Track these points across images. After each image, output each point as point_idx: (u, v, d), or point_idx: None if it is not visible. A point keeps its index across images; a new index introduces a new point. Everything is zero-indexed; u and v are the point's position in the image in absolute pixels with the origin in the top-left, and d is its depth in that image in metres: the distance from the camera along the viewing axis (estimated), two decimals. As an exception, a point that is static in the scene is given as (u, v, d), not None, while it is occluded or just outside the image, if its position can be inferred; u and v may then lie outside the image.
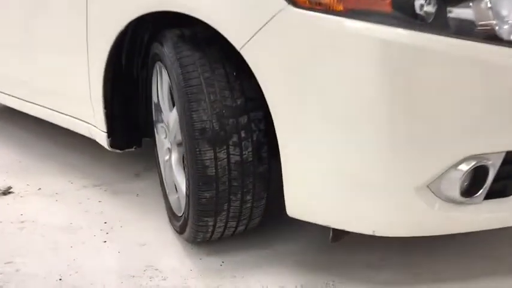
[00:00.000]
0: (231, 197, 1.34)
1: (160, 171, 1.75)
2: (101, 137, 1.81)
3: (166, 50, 1.42)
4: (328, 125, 1.16)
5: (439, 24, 1.11)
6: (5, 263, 1.48)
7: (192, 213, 1.38)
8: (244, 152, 1.31)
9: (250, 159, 1.32)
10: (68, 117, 1.98)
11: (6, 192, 1.97)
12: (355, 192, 1.17)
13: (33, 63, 2.00)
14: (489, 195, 1.18)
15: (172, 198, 1.65)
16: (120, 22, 1.55)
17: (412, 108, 1.10)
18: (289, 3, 1.16)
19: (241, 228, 1.44)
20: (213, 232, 1.43)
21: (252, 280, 1.37)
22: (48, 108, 2.06)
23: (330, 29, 1.13)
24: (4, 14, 2.09)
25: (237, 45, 1.24)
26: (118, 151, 1.84)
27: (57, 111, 2.01)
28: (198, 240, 1.48)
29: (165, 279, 1.39)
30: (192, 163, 1.32)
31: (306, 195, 1.23)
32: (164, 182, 1.71)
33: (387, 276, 1.38)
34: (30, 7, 1.94)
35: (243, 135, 1.31)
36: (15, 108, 2.28)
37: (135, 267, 1.45)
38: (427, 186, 1.14)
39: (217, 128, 1.29)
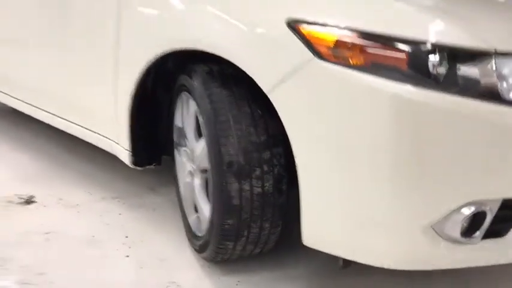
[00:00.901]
0: (251, 224, 1.47)
1: (180, 191, 1.87)
2: (123, 154, 1.93)
3: (197, 85, 1.54)
4: (343, 167, 1.29)
5: (448, 82, 1.24)
6: (37, 274, 1.59)
7: (214, 236, 1.51)
8: (265, 185, 1.44)
9: (271, 191, 1.45)
10: (91, 132, 2.09)
11: (29, 201, 2.08)
12: (365, 228, 1.30)
13: (64, 81, 2.10)
14: (486, 235, 1.31)
15: (191, 218, 1.77)
16: (151, 55, 1.67)
17: (420, 158, 1.23)
18: (315, 56, 1.29)
19: (257, 251, 1.57)
20: (231, 254, 1.56)
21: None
22: (73, 122, 2.17)
23: (349, 81, 1.26)
24: (35, 34, 2.19)
25: (265, 88, 1.36)
26: (138, 168, 1.95)
27: (81, 126, 2.12)
28: (217, 260, 1.61)
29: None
30: (218, 193, 1.45)
31: (321, 228, 1.36)
32: (183, 201, 1.84)
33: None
34: (63, 31, 2.04)
35: (265, 169, 1.44)
36: (41, 120, 2.37)
37: (158, 282, 1.58)
38: (431, 227, 1.27)
39: (243, 162, 1.42)
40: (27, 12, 2.21)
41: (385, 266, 1.32)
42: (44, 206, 2.05)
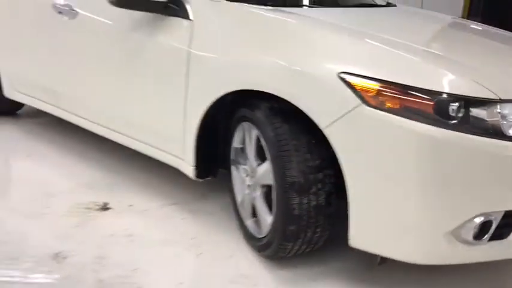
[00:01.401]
0: (307, 229, 1.88)
1: (236, 199, 2.27)
2: (188, 168, 2.32)
3: (262, 118, 1.94)
4: (383, 186, 1.70)
5: (463, 123, 1.65)
6: (132, 270, 1.99)
7: (276, 239, 1.92)
8: (319, 199, 1.85)
9: (323, 203, 1.85)
10: (157, 150, 2.48)
11: (105, 207, 2.47)
12: (400, 233, 1.72)
13: (138, 109, 2.48)
14: (492, 238, 1.73)
15: (248, 222, 2.17)
16: (219, 93, 2.07)
17: (442, 181, 1.65)
18: (362, 102, 1.69)
19: (308, 249, 1.98)
20: (289, 253, 1.97)
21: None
22: (138, 140, 2.55)
23: (387, 122, 1.67)
24: (115, 69, 2.55)
25: (321, 125, 1.76)
26: (200, 180, 2.35)
27: (149, 144, 2.51)
28: (275, 257, 2.02)
29: (256, 285, 1.93)
30: (282, 205, 1.86)
31: (365, 232, 1.77)
32: (240, 208, 2.24)
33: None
34: (140, 68, 2.41)
35: (319, 186, 1.84)
36: (104, 136, 2.75)
37: (231, 275, 1.98)
38: (450, 233, 1.69)
39: (302, 182, 1.82)
40: (109, 49, 2.57)
41: (414, 262, 1.74)
42: (119, 212, 2.44)
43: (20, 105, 3.62)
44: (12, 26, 3.18)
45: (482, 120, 1.66)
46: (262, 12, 2.14)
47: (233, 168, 2.29)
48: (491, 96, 1.66)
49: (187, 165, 2.33)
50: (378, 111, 1.67)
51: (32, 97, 3.22)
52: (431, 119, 1.64)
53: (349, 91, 1.71)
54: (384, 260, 1.82)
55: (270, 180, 1.94)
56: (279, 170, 1.85)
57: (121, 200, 2.54)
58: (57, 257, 2.05)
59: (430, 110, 1.65)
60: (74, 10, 2.70)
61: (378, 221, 1.74)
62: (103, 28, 2.58)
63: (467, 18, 6.30)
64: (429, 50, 1.89)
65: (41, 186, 2.66)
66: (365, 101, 1.69)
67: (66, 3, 2.74)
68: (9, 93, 3.40)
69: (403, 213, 1.69)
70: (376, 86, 1.69)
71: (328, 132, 1.75)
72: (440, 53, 1.89)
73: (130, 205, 2.50)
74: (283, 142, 1.86)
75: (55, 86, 2.95)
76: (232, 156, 2.27)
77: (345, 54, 1.83)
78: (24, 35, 3.10)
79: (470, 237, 1.70)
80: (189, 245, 2.19)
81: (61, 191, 2.60)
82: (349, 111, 1.70)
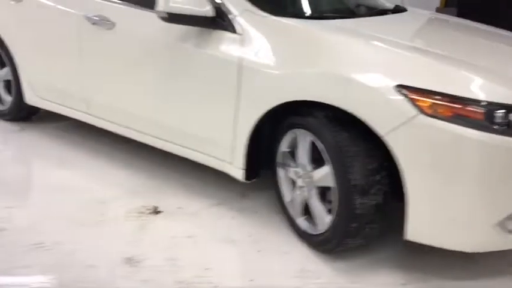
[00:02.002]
0: (366, 226, 2.10)
1: (284, 199, 2.46)
2: (238, 172, 2.50)
3: (320, 127, 2.13)
4: (440, 186, 1.93)
5: (507, 128, 1.89)
6: (205, 269, 2.17)
7: (338, 235, 2.14)
8: (378, 198, 2.07)
9: (381, 202, 2.08)
10: (202, 154, 2.64)
11: (157, 211, 2.62)
12: (453, 226, 1.96)
13: (187, 118, 2.62)
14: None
15: (299, 220, 2.38)
16: (271, 104, 2.25)
17: (492, 180, 1.89)
18: (420, 112, 1.91)
19: (364, 243, 2.21)
20: (346, 247, 2.19)
21: (371, 277, 2.15)
22: (184, 146, 2.70)
23: (442, 129, 1.89)
24: (164, 81, 2.67)
25: (381, 133, 1.97)
26: (246, 181, 2.53)
27: (193, 149, 2.66)
28: (332, 251, 2.23)
29: (319, 278, 2.14)
30: (345, 205, 2.07)
31: (422, 227, 2.01)
32: (288, 208, 2.44)
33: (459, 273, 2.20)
34: (191, 80, 2.54)
35: (377, 187, 2.06)
36: (149, 144, 2.88)
37: (294, 269, 2.19)
38: (497, 224, 1.94)
39: (363, 184, 2.04)
40: (152, 60, 2.68)
41: (465, 251, 1.99)
42: (171, 215, 2.60)
43: (36, 111, 3.69)
44: (39, 37, 3.23)
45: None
46: (310, 27, 2.32)
47: (279, 170, 2.48)
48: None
49: (236, 169, 2.51)
50: (434, 119, 1.90)
51: (59, 104, 3.30)
52: (480, 125, 1.88)
53: (406, 102, 1.92)
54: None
55: (330, 182, 2.14)
56: (342, 174, 2.06)
57: (168, 203, 2.69)
58: (131, 261, 2.20)
59: (480, 118, 1.89)
60: (110, 21, 2.79)
61: (433, 217, 1.98)
62: (145, 39, 2.69)
63: (444, 9, 6.64)
64: (471, 61, 2.12)
65: (88, 193, 2.77)
66: (422, 111, 1.91)
67: (101, 14, 2.83)
68: (32, 100, 3.47)
69: (456, 208, 1.94)
70: (431, 97, 1.91)
71: (387, 139, 1.97)
72: (480, 64, 2.13)
73: (179, 207, 2.66)
74: (344, 148, 2.06)
75: (89, 94, 3.05)
76: (279, 159, 2.46)
77: (399, 68, 2.04)
78: (53, 45, 3.16)
79: (512, 227, 1.96)
80: (247, 242, 2.38)
81: (109, 198, 2.73)
82: (408, 120, 1.92)
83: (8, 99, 3.68)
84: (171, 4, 2.36)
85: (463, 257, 2.15)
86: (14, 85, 3.58)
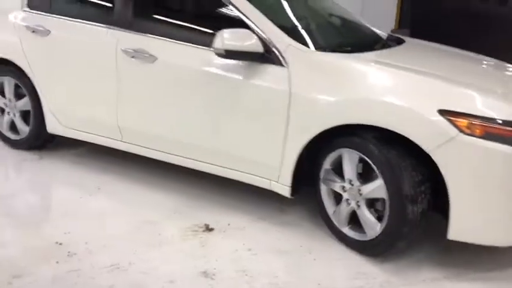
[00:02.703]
0: (414, 230, 2.45)
1: (327, 212, 2.77)
2: (284, 189, 2.79)
3: (370, 146, 2.46)
4: (480, 191, 2.31)
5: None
6: (275, 277, 2.43)
7: (388, 240, 2.47)
8: (423, 205, 2.42)
9: (426, 208, 2.44)
10: (248, 174, 2.90)
11: (209, 228, 2.84)
12: (492, 225, 2.35)
13: (227, 139, 2.87)
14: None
15: (345, 229, 2.69)
16: (322, 127, 2.57)
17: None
18: (460, 132, 2.29)
19: (408, 245, 2.56)
20: (395, 249, 2.53)
21: (417, 274, 2.50)
22: (228, 168, 2.95)
23: (480, 146, 2.29)
24: (197, 103, 2.93)
25: (427, 150, 2.34)
26: (290, 197, 2.82)
27: (238, 170, 2.92)
28: (380, 255, 2.56)
29: (375, 278, 2.46)
30: (397, 213, 2.41)
31: (464, 227, 2.38)
32: (333, 219, 2.75)
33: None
34: (237, 107, 2.81)
35: (423, 196, 2.42)
36: (190, 167, 3.10)
37: (351, 272, 2.50)
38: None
39: (413, 194, 2.39)
40: (197, 91, 2.92)
41: (502, 245, 2.39)
42: (223, 231, 2.83)
43: (51, 139, 3.79)
44: (67, 68, 3.38)
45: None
46: (349, 60, 2.67)
47: (322, 185, 2.78)
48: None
49: (282, 186, 2.80)
50: (471, 137, 2.29)
51: (87, 132, 3.45)
52: (507, 141, 2.29)
53: (448, 124, 2.30)
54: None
55: (382, 194, 2.47)
56: (394, 186, 2.40)
57: (215, 220, 2.92)
58: (207, 275, 2.43)
59: (508, 134, 2.30)
60: (150, 55, 3.01)
61: (473, 219, 2.36)
62: (189, 72, 2.94)
63: (398, 30, 7.22)
64: (489, 87, 2.55)
65: (134, 216, 2.95)
66: (461, 131, 2.29)
67: (140, 48, 3.04)
68: (56, 129, 3.59)
69: (493, 211, 2.33)
70: (468, 119, 2.30)
71: (433, 155, 2.33)
72: (498, 90, 2.56)
73: (228, 224, 2.90)
74: (394, 164, 2.41)
75: (124, 122, 3.23)
76: (322, 175, 2.77)
77: (437, 94, 2.42)
78: (84, 76, 3.31)
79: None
80: (301, 252, 2.66)
81: (158, 219, 2.92)
82: (450, 138, 2.30)
83: (25, 129, 3.76)
84: (226, 42, 2.63)
85: (491, 252, 2.55)
86: (33, 115, 3.68)
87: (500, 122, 2.30)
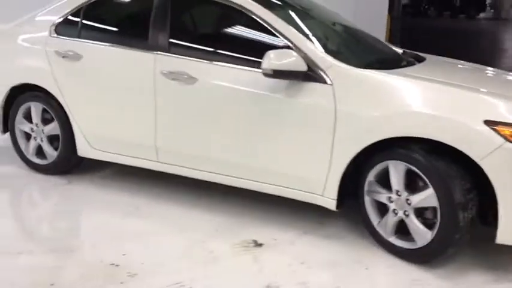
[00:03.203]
0: (464, 236, 2.57)
1: (372, 222, 2.87)
2: (329, 202, 2.89)
3: (418, 158, 2.58)
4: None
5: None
6: (337, 287, 2.51)
7: (439, 248, 2.58)
8: (473, 212, 2.55)
9: (474, 215, 2.57)
10: (292, 190, 2.99)
11: (258, 244, 2.91)
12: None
13: (271, 156, 2.97)
14: None
15: (391, 239, 2.79)
16: (370, 141, 2.68)
17: None
18: (506, 141, 2.44)
19: (457, 251, 2.68)
20: (445, 256, 2.64)
21: (468, 278, 2.62)
22: (271, 184, 3.03)
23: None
24: (241, 122, 3.03)
25: (477, 159, 2.47)
26: (336, 210, 2.91)
27: (282, 186, 3.01)
28: (431, 261, 2.67)
29: (430, 284, 2.57)
30: (449, 220, 2.52)
31: (511, 231, 2.52)
32: (378, 229, 2.85)
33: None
34: (273, 120, 2.92)
35: (472, 203, 2.55)
36: (232, 185, 3.17)
37: (405, 279, 2.60)
38: None
39: (464, 201, 2.52)
40: (241, 110, 3.00)
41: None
42: (272, 246, 2.89)
43: (78, 163, 3.82)
44: (101, 92, 3.43)
45: None
46: (389, 76, 2.80)
47: (366, 197, 2.89)
48: None
49: (328, 199, 2.90)
50: (513, 145, 2.44)
51: (120, 154, 3.49)
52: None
53: (494, 134, 2.45)
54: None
55: (433, 203, 2.58)
56: (446, 195, 2.52)
57: (261, 236, 2.99)
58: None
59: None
60: (191, 77, 3.09)
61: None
62: (230, 92, 3.02)
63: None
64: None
65: (181, 234, 3.00)
66: (507, 139, 2.44)
67: (180, 70, 3.12)
68: (87, 152, 3.62)
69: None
70: (510, 128, 2.45)
71: (482, 163, 2.47)
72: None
73: (274, 239, 2.97)
74: (444, 174, 2.53)
75: (162, 143, 3.28)
76: (366, 187, 2.88)
77: (482, 106, 2.57)
78: (120, 99, 3.37)
79: None
80: (352, 263, 2.75)
81: (205, 237, 2.98)
82: (498, 147, 2.44)
83: (53, 153, 3.77)
84: (273, 62, 2.74)
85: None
86: (62, 139, 3.70)
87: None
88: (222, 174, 3.19)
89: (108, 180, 3.78)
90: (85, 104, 3.53)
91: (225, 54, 3.11)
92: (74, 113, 3.57)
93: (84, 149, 3.62)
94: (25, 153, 3.90)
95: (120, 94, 3.38)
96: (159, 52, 3.22)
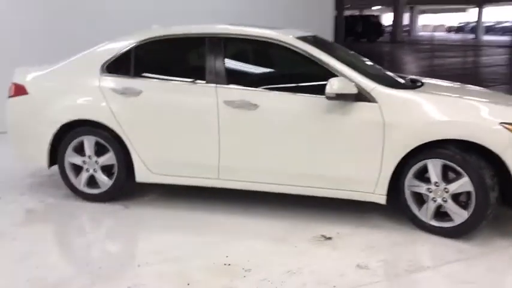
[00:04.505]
0: (492, 211, 3.38)
1: (413, 211, 3.61)
2: (380, 198, 3.59)
3: (453, 155, 3.37)
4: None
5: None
6: (418, 261, 3.19)
7: (475, 223, 3.37)
8: (497, 193, 3.38)
9: (497, 195, 3.39)
10: (346, 191, 3.65)
11: (328, 237, 3.52)
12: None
13: (328, 164, 3.62)
14: None
15: (432, 222, 3.54)
16: (414, 145, 3.44)
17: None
18: (516, 137, 3.31)
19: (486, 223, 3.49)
20: (477, 228, 3.44)
21: (491, 245, 3.43)
22: (328, 188, 3.67)
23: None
24: (301, 138, 3.66)
25: (498, 152, 3.30)
26: (385, 204, 3.62)
27: (338, 189, 3.66)
28: (463, 235, 3.45)
29: (471, 251, 3.33)
30: (483, 200, 3.32)
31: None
32: (420, 216, 3.58)
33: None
34: (330, 135, 3.57)
35: (496, 186, 3.37)
36: (291, 193, 3.77)
37: (451, 251, 3.34)
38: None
39: (492, 184, 3.33)
40: (301, 128, 3.63)
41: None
42: (339, 238, 3.51)
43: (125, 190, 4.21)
44: (163, 123, 3.88)
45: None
46: (421, 94, 3.60)
47: (407, 191, 3.62)
48: None
49: (379, 196, 3.60)
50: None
51: (181, 176, 3.95)
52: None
53: (509, 133, 3.30)
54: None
55: (468, 188, 3.36)
56: (480, 181, 3.32)
57: (326, 231, 3.61)
58: (362, 267, 3.11)
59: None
60: (252, 104, 3.67)
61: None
62: (289, 114, 3.65)
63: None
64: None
65: (260, 237, 3.54)
66: (521, 135, 3.31)
67: (242, 99, 3.69)
68: (146, 178, 4.03)
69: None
70: (520, 127, 3.33)
71: (502, 155, 3.30)
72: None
73: (338, 232, 3.60)
74: (476, 165, 3.34)
75: (224, 162, 3.80)
76: (407, 183, 3.61)
77: (494, 112, 3.42)
78: (183, 127, 3.84)
79: None
80: (411, 242, 3.45)
81: (277, 236, 3.55)
82: (510, 144, 3.30)
83: (107, 182, 4.11)
84: (334, 87, 3.42)
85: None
86: (118, 168, 4.06)
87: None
88: (281, 184, 3.78)
89: (161, 202, 4.19)
90: (146, 134, 3.94)
91: (284, 83, 3.74)
92: (134, 143, 3.96)
93: (143, 174, 4.01)
94: (75, 184, 4.19)
95: (182, 122, 3.85)
96: (218, 85, 3.77)
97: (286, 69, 3.97)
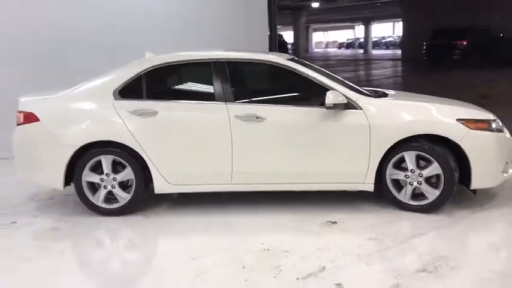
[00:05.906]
0: (456, 187, 4.36)
1: (394, 194, 4.49)
2: (369, 187, 4.43)
3: (426, 146, 4.31)
4: (488, 157, 4.37)
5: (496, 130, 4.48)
6: (420, 233, 4.04)
7: (445, 198, 4.33)
8: (457, 174, 4.37)
9: (456, 174, 4.38)
10: (340, 184, 4.45)
11: (333, 222, 4.27)
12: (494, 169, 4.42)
13: (323, 162, 4.37)
14: None
15: (410, 202, 4.45)
16: (395, 139, 4.33)
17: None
18: (470, 129, 4.33)
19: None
20: (446, 204, 4.40)
21: (468, 217, 4.42)
22: (325, 183, 4.44)
23: (479, 134, 4.37)
24: (301, 143, 4.38)
25: (456, 141, 4.29)
26: (373, 191, 4.47)
27: (333, 182, 4.44)
28: (435, 210, 4.40)
29: (443, 220, 4.27)
30: (450, 180, 4.28)
31: (480, 179, 4.39)
32: (400, 198, 4.48)
33: None
34: (326, 138, 4.34)
35: (456, 169, 4.36)
36: (294, 190, 4.49)
37: (427, 221, 4.25)
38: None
39: (455, 167, 4.30)
40: (302, 135, 4.36)
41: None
42: (342, 222, 4.28)
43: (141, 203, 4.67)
44: (181, 138, 4.42)
45: (496, 127, 4.52)
46: (394, 101, 4.52)
47: (388, 179, 4.50)
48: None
49: (368, 185, 4.44)
50: (476, 131, 4.33)
51: (198, 184, 4.51)
52: (489, 129, 4.41)
53: (463, 126, 4.31)
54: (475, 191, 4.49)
55: (438, 171, 4.30)
56: (447, 165, 4.27)
57: (330, 217, 4.36)
58: (374, 240, 3.90)
59: (485, 126, 4.41)
60: (259, 117, 4.36)
61: (484, 172, 4.39)
62: (291, 124, 4.38)
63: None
64: (465, 105, 4.65)
65: (277, 229, 4.21)
66: (470, 128, 4.32)
67: (250, 113, 4.36)
68: (164, 189, 4.52)
69: (489, 162, 4.40)
70: (471, 122, 4.35)
71: (460, 143, 4.29)
72: (471, 107, 4.68)
73: (339, 218, 4.37)
74: (442, 153, 4.30)
75: (236, 169, 4.42)
76: (388, 172, 4.48)
77: (453, 111, 4.42)
78: (198, 141, 4.41)
79: None
80: (398, 220, 4.31)
81: (291, 226, 4.25)
82: (466, 133, 4.30)
83: (126, 196, 4.54)
84: (331, 100, 4.22)
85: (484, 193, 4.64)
86: (136, 183, 4.51)
87: (487, 120, 4.42)
88: (287, 183, 4.49)
89: (177, 210, 4.68)
90: (164, 149, 4.44)
91: (283, 98, 4.47)
92: (153, 158, 4.44)
93: (162, 186, 4.50)
94: (93, 201, 4.56)
95: (197, 136, 4.41)
96: (227, 102, 4.40)
97: (283, 86, 4.73)
